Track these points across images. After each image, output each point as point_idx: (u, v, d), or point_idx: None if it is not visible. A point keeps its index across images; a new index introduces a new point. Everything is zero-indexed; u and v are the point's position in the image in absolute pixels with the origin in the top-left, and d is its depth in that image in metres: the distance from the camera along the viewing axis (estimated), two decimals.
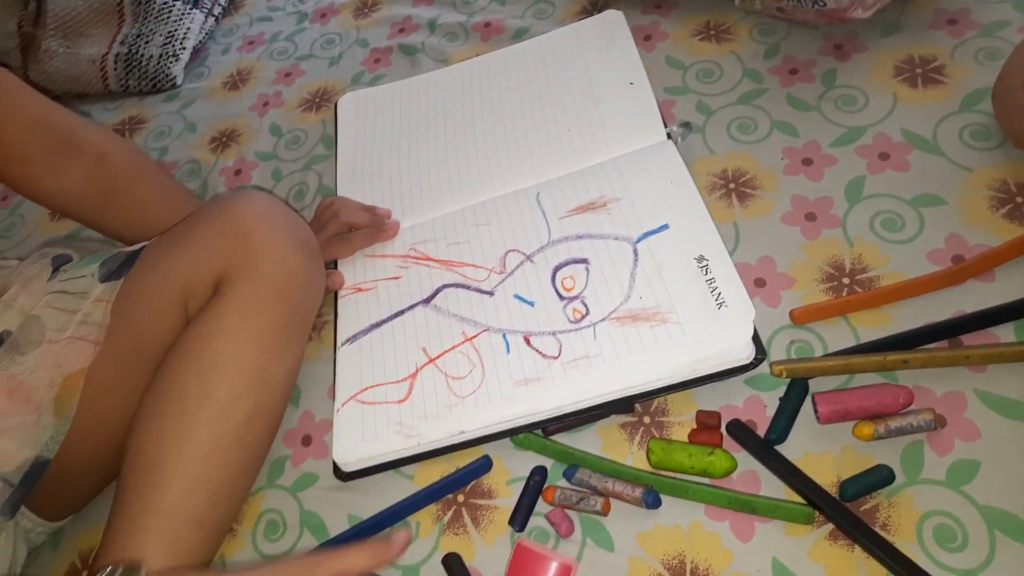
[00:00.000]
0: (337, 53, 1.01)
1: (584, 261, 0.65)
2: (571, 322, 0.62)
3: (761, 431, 0.57)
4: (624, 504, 0.56)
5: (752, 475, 0.55)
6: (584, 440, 0.60)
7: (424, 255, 0.72)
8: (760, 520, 0.53)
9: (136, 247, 0.65)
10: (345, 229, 0.75)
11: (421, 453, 0.61)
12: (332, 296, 0.73)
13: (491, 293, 0.67)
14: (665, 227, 0.64)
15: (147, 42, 1.02)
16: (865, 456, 0.54)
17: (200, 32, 1.05)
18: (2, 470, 0.54)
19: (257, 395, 0.58)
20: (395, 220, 0.76)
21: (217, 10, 1.09)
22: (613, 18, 0.85)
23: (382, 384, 0.64)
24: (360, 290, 0.72)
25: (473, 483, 0.60)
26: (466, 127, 0.82)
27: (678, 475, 0.56)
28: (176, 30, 1.03)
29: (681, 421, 0.59)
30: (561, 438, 0.60)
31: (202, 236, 0.62)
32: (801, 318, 0.61)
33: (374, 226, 0.75)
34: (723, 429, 0.58)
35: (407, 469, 0.62)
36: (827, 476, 0.54)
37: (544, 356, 0.61)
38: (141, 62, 1.02)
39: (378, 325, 0.68)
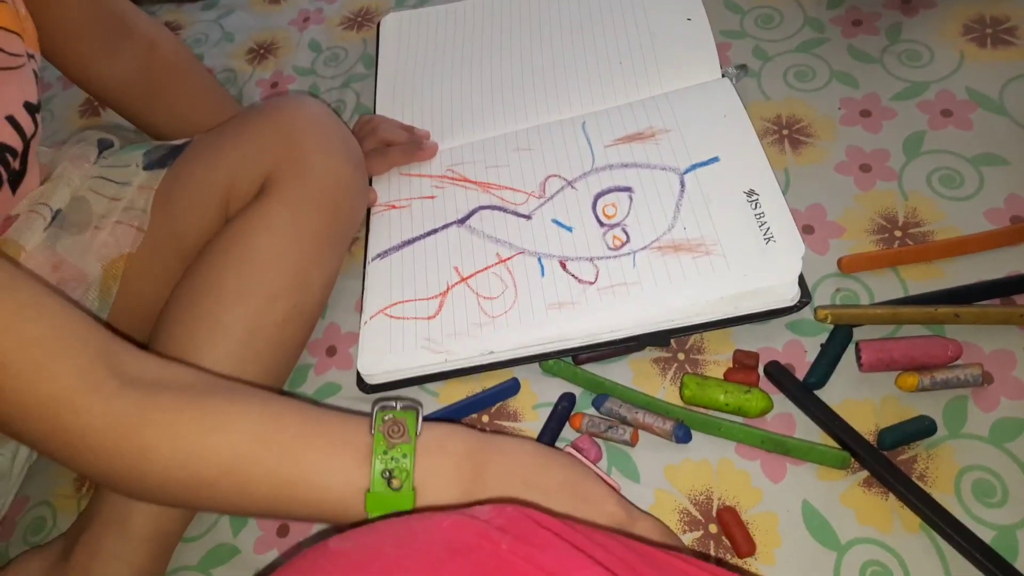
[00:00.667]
0: None
1: (628, 189, 0.63)
2: (610, 249, 0.60)
3: (800, 376, 0.55)
4: (652, 437, 0.55)
5: (787, 418, 0.54)
6: (615, 371, 0.58)
7: (461, 176, 0.70)
8: (792, 462, 0.52)
9: (182, 140, 0.64)
10: (382, 146, 0.73)
11: (448, 371, 0.59)
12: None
13: (528, 217, 0.65)
14: (715, 160, 0.62)
15: None
16: (906, 407, 0.53)
17: None
18: None
19: (295, 298, 0.56)
20: (433, 141, 0.74)
21: None
22: None
23: (411, 300, 0.63)
24: (393, 207, 0.70)
25: (499, 404, 0.59)
26: (512, 53, 0.79)
27: (710, 412, 0.55)
28: None
29: (717, 360, 0.58)
30: (591, 368, 0.59)
31: (252, 135, 0.60)
32: (849, 266, 0.59)
33: (412, 144, 0.73)
34: (760, 371, 0.56)
35: (432, 386, 0.61)
36: (865, 424, 0.52)
37: (580, 281, 0.59)
38: None
39: (410, 242, 0.67)
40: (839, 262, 0.60)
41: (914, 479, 0.49)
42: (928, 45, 0.72)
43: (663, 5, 0.77)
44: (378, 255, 0.67)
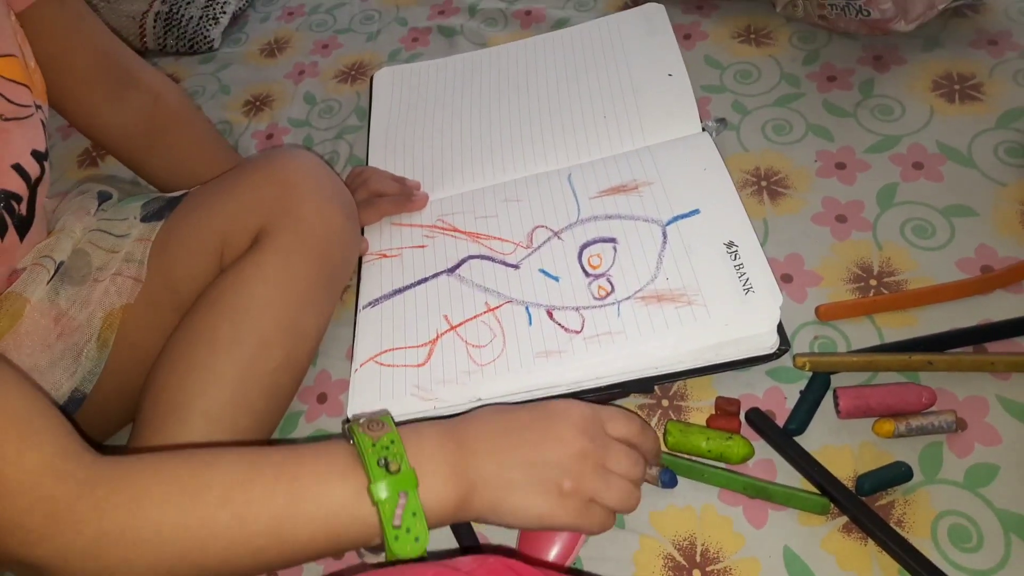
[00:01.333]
0: (375, 29, 1.01)
1: (612, 240, 0.65)
2: (595, 299, 0.62)
3: (780, 423, 0.57)
4: None
5: (768, 464, 0.55)
6: None
7: (451, 226, 0.72)
8: (774, 508, 0.53)
9: (178, 193, 0.66)
10: (374, 197, 0.75)
11: (437, 417, 0.60)
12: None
13: (516, 266, 0.67)
14: (696, 212, 0.64)
15: (188, 3, 1.03)
16: (883, 453, 0.54)
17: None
18: None
19: (287, 346, 0.58)
20: (424, 192, 0.76)
21: None
22: (654, 10, 0.86)
23: (401, 348, 0.64)
24: (385, 256, 0.72)
25: None
26: (501, 107, 0.82)
27: (694, 458, 0.56)
28: None
29: (700, 407, 0.59)
30: None
31: (246, 187, 0.62)
32: (827, 314, 0.61)
33: (403, 195, 0.75)
34: (742, 417, 0.57)
35: None
36: (844, 470, 0.54)
37: (567, 330, 0.61)
38: (181, 22, 1.02)
39: (401, 291, 0.68)
40: (817, 310, 0.62)
41: (892, 524, 0.51)
42: (899, 100, 0.75)
43: (645, 62, 0.80)
44: (369, 303, 0.68)
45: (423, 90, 0.87)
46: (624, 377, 0.59)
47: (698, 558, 0.52)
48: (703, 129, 0.73)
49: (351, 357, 0.66)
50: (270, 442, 0.61)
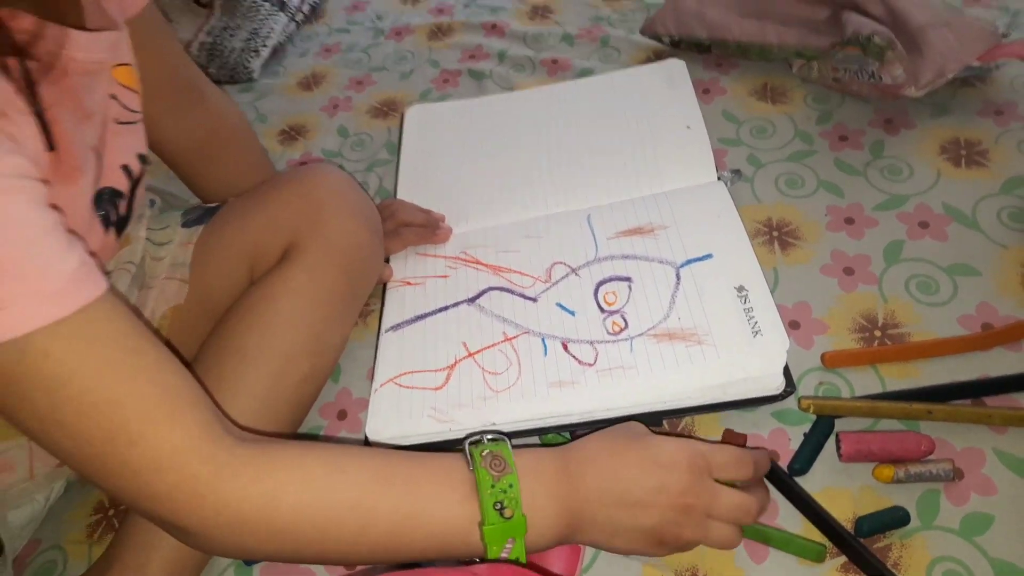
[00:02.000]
0: (408, 69, 1.06)
1: (627, 279, 0.68)
2: (609, 334, 0.65)
3: (784, 464, 0.59)
4: None
5: (771, 503, 0.57)
6: None
7: (474, 258, 0.75)
8: None
9: (215, 204, 0.69)
10: (401, 227, 0.79)
11: (452, 439, 0.63)
12: (380, 287, 0.76)
13: (534, 299, 0.69)
14: (709, 256, 0.67)
15: (232, 35, 1.08)
16: (883, 497, 0.56)
17: (282, 33, 1.11)
18: None
19: (312, 359, 0.60)
20: (448, 225, 0.79)
21: (300, 16, 1.15)
22: (675, 66, 0.90)
23: (421, 371, 0.67)
24: (408, 284, 0.75)
25: None
26: (525, 148, 0.86)
27: None
28: (260, 28, 1.09)
29: (707, 441, 0.61)
30: None
31: (277, 201, 0.66)
32: (832, 362, 0.63)
33: (428, 227, 0.78)
34: None
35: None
36: (844, 512, 0.55)
37: (580, 362, 0.63)
38: (223, 53, 1.08)
39: (422, 317, 0.71)
40: (822, 357, 0.64)
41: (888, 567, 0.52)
42: (908, 162, 0.78)
43: (666, 112, 0.84)
44: (392, 327, 0.71)
45: (452, 128, 0.91)
46: (635, 410, 0.61)
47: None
48: (718, 179, 0.77)
49: (372, 377, 0.68)
50: None
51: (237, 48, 1.08)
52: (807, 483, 0.57)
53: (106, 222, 0.54)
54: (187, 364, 0.53)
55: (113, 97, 0.54)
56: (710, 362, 0.60)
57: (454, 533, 0.46)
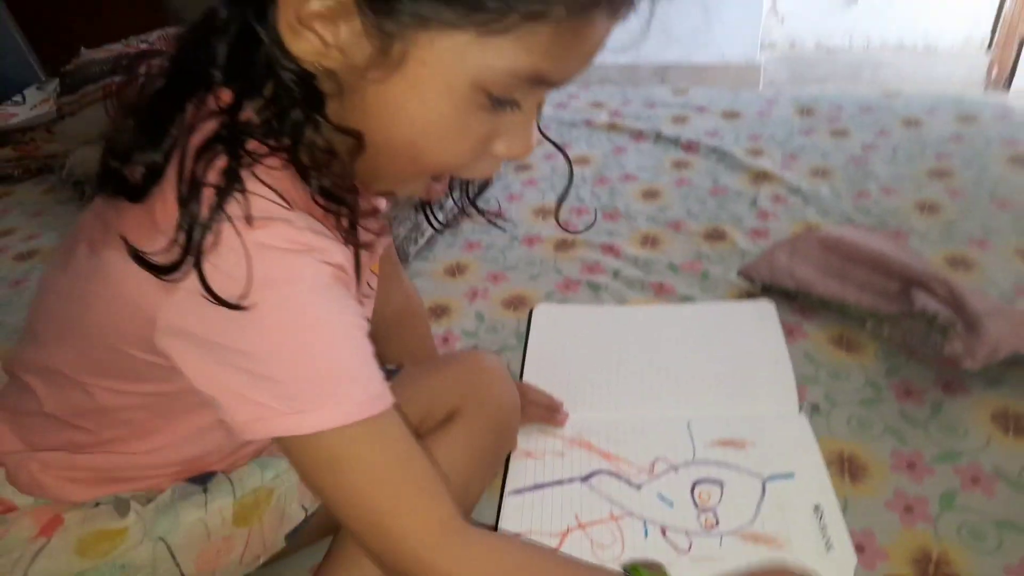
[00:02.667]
0: (536, 272, 1.27)
1: (720, 483, 0.82)
2: (702, 528, 0.77)
3: None
4: None
5: None
6: None
7: (587, 443, 0.90)
8: None
9: (393, 366, 0.87)
10: (527, 405, 0.95)
11: None
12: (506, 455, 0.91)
13: (638, 487, 0.83)
14: (791, 476, 0.81)
15: (399, 223, 1.32)
16: None
17: (437, 228, 1.35)
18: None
19: (459, 504, 0.74)
20: (566, 411, 0.95)
21: (451, 215, 1.40)
22: (766, 307, 1.08)
23: (538, 532, 0.80)
24: (530, 455, 0.90)
25: None
26: (635, 354, 1.03)
27: None
28: (422, 223, 1.33)
29: None
30: None
31: (447, 373, 0.83)
32: None
33: (550, 409, 0.94)
34: None
35: None
36: None
37: (676, 549, 0.76)
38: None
39: (541, 487, 0.85)
40: None
41: None
42: (963, 423, 0.92)
43: (757, 345, 1.01)
44: (515, 491, 0.85)
45: (573, 327, 1.10)
46: None
47: None
48: (800, 410, 0.92)
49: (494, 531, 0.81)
50: None
51: (400, 235, 1.31)
52: None
53: None
54: None
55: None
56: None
57: None
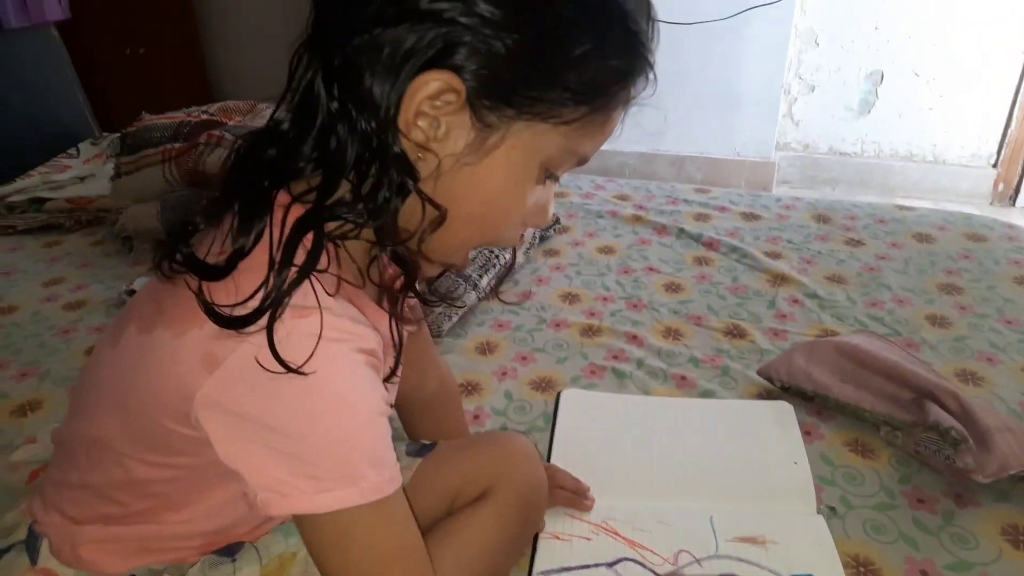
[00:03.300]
0: (564, 356, 1.33)
1: None
2: None
3: None
4: None
5: None
6: None
7: (613, 530, 0.94)
8: None
9: (428, 441, 0.91)
10: (554, 488, 0.99)
11: None
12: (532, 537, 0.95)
13: None
14: None
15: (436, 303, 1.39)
16: None
17: (469, 306, 1.42)
18: None
19: None
20: (593, 496, 0.99)
21: (483, 294, 1.47)
22: (785, 408, 1.14)
23: None
24: (557, 538, 0.93)
25: None
26: (658, 444, 1.07)
27: None
28: (455, 300, 1.39)
29: None
30: None
31: (480, 454, 0.88)
32: None
33: (577, 494, 0.98)
34: None
35: None
36: None
37: None
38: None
39: (568, 570, 0.89)
40: None
41: None
42: (974, 534, 0.95)
43: (776, 445, 1.06)
44: (543, 572, 0.88)
45: (598, 414, 1.15)
46: None
47: None
48: (817, 511, 0.95)
49: None
50: None
51: (435, 311, 1.38)
52: None
53: None
54: None
55: None
56: None
57: None
